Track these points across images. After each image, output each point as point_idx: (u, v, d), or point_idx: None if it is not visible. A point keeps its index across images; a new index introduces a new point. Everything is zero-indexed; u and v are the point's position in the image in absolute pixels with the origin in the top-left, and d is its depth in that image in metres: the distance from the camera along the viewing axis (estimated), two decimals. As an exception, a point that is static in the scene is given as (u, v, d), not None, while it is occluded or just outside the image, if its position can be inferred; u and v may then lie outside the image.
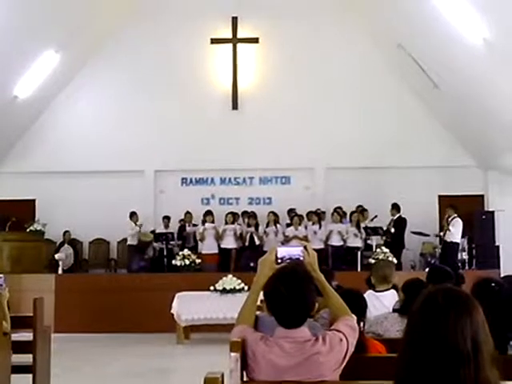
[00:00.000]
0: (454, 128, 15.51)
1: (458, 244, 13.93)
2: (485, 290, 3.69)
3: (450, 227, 13.73)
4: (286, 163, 15.74)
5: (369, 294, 5.49)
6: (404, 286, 4.62)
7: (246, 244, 14.71)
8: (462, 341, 1.84)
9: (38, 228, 14.62)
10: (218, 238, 14.68)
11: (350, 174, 15.70)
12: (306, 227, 14.63)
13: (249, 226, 14.84)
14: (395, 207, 14.55)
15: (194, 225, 15.15)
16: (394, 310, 4.73)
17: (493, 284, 3.82)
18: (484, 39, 11.06)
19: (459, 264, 14.08)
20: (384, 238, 14.18)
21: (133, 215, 15.04)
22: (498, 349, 1.95)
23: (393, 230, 14.24)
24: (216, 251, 14.65)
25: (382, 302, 5.45)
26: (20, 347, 5.51)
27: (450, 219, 13.88)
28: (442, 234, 14.12)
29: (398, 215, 14.46)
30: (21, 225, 14.63)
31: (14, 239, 13.90)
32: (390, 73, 15.60)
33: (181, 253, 13.50)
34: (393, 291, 5.56)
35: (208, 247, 14.56)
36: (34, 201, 16.04)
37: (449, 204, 14.39)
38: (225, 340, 3.12)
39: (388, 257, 12.77)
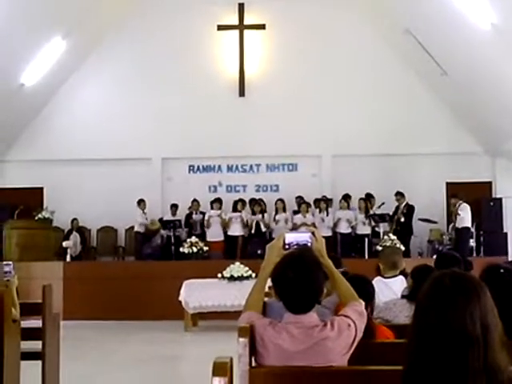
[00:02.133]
0: (461, 114, 15.44)
1: (469, 229, 13.92)
2: (494, 275, 3.68)
3: (460, 212, 13.72)
4: (293, 150, 15.71)
5: (377, 281, 5.50)
6: (413, 272, 4.62)
7: (252, 231, 14.72)
8: (471, 325, 1.83)
9: (46, 216, 14.67)
10: (224, 225, 14.70)
11: (357, 161, 15.67)
12: (313, 214, 14.65)
13: (254, 213, 14.84)
14: (400, 194, 14.54)
15: (202, 212, 15.16)
16: (403, 296, 4.73)
17: (502, 270, 3.80)
18: (492, 24, 10.99)
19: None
20: (393, 225, 14.18)
21: (140, 202, 15.09)
22: (507, 334, 1.94)
23: (403, 219, 14.23)
24: (221, 238, 14.69)
25: (391, 289, 5.46)
26: (29, 334, 5.52)
27: (457, 205, 13.89)
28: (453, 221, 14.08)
29: (405, 202, 14.45)
30: (29, 213, 14.68)
31: (22, 227, 13.95)
32: (398, 59, 15.52)
33: (188, 240, 13.52)
34: (401, 277, 5.56)
35: (213, 234, 14.60)
36: (41, 189, 16.09)
37: (451, 195, 14.45)
38: (233, 327, 3.12)
39: (395, 244, 12.76)
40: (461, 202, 13.84)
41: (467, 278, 1.93)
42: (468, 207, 13.79)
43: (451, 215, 14.31)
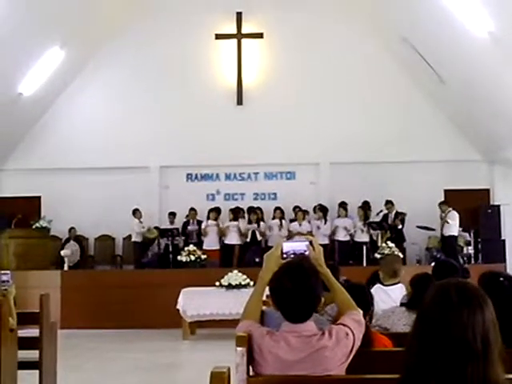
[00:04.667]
0: (459, 122, 15.46)
1: (456, 237, 14.02)
2: (493, 283, 3.67)
3: (449, 220, 13.86)
4: (290, 158, 15.71)
5: (377, 288, 5.50)
6: (412, 280, 4.61)
7: (248, 240, 14.71)
8: (473, 338, 1.82)
9: (44, 225, 14.64)
10: (221, 234, 14.68)
11: (355, 168, 15.66)
12: (309, 222, 14.66)
13: (250, 222, 14.82)
14: (390, 202, 14.66)
15: (199, 221, 15.14)
16: (402, 304, 4.72)
17: (501, 278, 3.80)
18: (489, 32, 11.01)
19: (465, 258, 14.14)
20: (387, 233, 14.20)
21: (136, 212, 15.03)
22: (505, 342, 1.93)
23: (400, 226, 14.28)
24: (217, 247, 14.67)
25: (390, 296, 5.45)
26: (26, 343, 5.52)
27: (446, 212, 14.02)
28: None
29: (395, 210, 14.53)
30: (26, 222, 14.65)
31: (19, 236, 13.92)
32: (395, 67, 15.54)
33: (186, 249, 13.50)
34: (401, 285, 5.56)
35: (209, 243, 14.59)
36: (39, 197, 16.05)
37: (441, 202, 14.64)
38: (231, 336, 3.11)
39: (393, 251, 12.77)
40: (450, 209, 14.02)
41: (473, 291, 1.92)
42: (457, 215, 13.96)
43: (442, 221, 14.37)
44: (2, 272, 5.57)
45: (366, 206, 14.83)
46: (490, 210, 15.10)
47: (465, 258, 14.25)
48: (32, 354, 5.63)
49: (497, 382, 1.82)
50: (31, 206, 15.56)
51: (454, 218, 13.99)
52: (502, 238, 14.87)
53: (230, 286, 11.32)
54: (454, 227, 14.00)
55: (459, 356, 1.82)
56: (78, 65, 15.74)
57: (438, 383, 1.84)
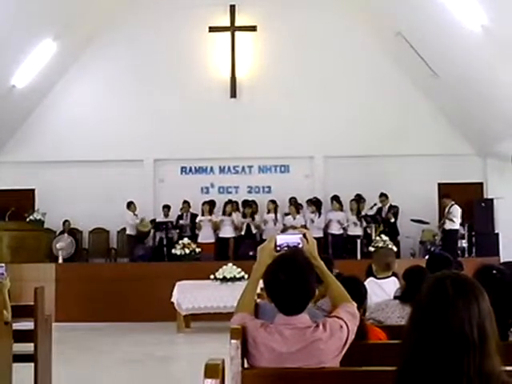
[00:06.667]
0: (452, 116, 15.48)
1: (457, 231, 14.04)
2: (486, 276, 3.69)
3: (452, 217, 13.83)
4: (285, 152, 15.70)
5: (370, 282, 5.51)
6: (405, 273, 4.62)
7: (242, 234, 14.71)
8: (469, 329, 1.84)
9: (38, 217, 14.63)
10: (215, 227, 14.67)
11: (350, 162, 15.67)
12: (304, 216, 14.66)
13: (244, 216, 14.82)
14: (384, 195, 14.64)
15: (193, 214, 15.13)
16: (395, 297, 4.74)
17: (494, 271, 3.82)
18: (482, 26, 11.02)
19: (459, 251, 14.17)
20: (381, 227, 14.21)
21: (130, 205, 15.02)
22: (499, 335, 1.95)
23: (393, 220, 14.30)
24: (212, 240, 14.66)
25: (384, 289, 5.47)
26: (21, 336, 5.51)
27: (449, 207, 13.99)
28: (442, 222, 14.17)
29: (388, 203, 14.54)
30: (20, 214, 14.64)
31: (13, 229, 13.90)
32: (389, 61, 15.54)
33: (181, 242, 13.50)
34: (394, 278, 5.58)
35: (204, 236, 14.57)
36: (33, 190, 16.01)
37: (443, 195, 14.59)
38: (225, 328, 3.12)
39: (387, 244, 12.79)
40: (453, 203, 13.97)
41: (468, 283, 1.93)
42: (459, 210, 13.92)
43: (441, 217, 14.36)
44: (-3, 265, 5.56)
45: (358, 199, 14.85)
46: (483, 204, 15.13)
47: (459, 252, 14.28)
48: (27, 347, 5.63)
49: (493, 373, 1.83)
50: (25, 198, 15.52)
51: (457, 214, 13.95)
52: (496, 231, 14.91)
53: (224, 279, 11.34)
54: (457, 221, 13.97)
55: (456, 348, 1.83)
56: (70, 57, 15.68)
57: (435, 375, 1.85)
